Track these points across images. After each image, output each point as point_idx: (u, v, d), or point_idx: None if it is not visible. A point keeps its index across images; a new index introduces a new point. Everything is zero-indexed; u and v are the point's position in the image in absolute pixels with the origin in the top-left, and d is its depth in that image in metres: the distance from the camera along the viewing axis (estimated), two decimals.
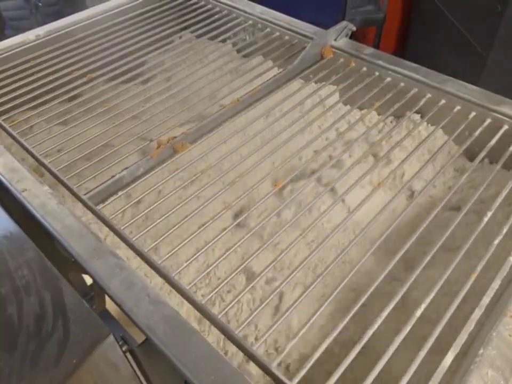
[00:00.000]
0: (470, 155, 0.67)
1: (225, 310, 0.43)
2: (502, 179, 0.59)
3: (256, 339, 0.52)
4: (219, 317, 0.42)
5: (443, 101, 0.68)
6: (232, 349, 0.50)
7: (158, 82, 0.76)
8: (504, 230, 0.49)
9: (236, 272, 0.46)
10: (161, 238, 0.50)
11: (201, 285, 0.58)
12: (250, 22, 0.89)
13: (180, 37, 0.87)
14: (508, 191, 0.54)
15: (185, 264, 0.47)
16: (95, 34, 0.86)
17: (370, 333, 0.40)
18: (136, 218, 0.52)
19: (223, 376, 0.37)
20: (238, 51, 0.87)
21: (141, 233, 0.50)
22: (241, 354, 0.45)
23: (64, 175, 0.56)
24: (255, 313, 0.43)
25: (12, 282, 0.45)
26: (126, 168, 0.59)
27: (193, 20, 0.90)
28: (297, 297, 0.43)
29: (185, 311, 0.53)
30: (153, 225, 0.51)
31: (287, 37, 0.84)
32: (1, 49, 0.81)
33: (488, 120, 0.64)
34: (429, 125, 0.71)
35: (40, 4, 1.54)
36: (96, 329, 0.42)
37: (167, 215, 0.52)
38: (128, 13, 0.92)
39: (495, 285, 0.44)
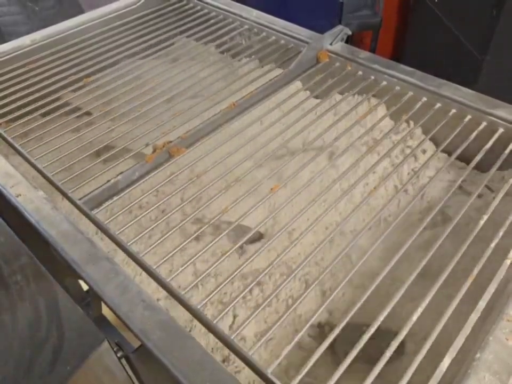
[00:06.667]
0: (465, 159, 0.67)
1: (221, 315, 0.43)
2: (498, 182, 0.60)
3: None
4: (214, 322, 0.42)
5: (438, 105, 0.68)
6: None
7: (154, 86, 0.75)
8: (501, 233, 0.49)
9: (232, 276, 0.46)
10: (156, 243, 0.49)
11: (198, 291, 0.57)
12: (246, 26, 0.90)
13: (176, 42, 0.87)
14: (503, 194, 0.54)
15: (180, 269, 0.46)
16: (91, 39, 0.86)
17: (366, 337, 0.40)
18: (131, 223, 0.51)
19: (218, 382, 0.37)
20: (234, 55, 0.87)
21: (136, 238, 0.49)
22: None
23: (59, 180, 0.56)
24: (252, 316, 0.42)
25: (6, 288, 0.44)
26: (121, 172, 0.58)
27: (189, 25, 0.90)
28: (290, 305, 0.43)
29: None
30: (148, 230, 0.51)
31: (283, 41, 0.85)
32: None
33: (484, 124, 0.64)
34: (424, 128, 0.71)
35: (37, 9, 1.54)
36: (91, 335, 0.41)
37: (162, 219, 0.52)
38: (125, 18, 0.92)
39: (492, 288, 0.44)
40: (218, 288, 0.45)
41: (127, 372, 0.50)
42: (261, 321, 0.55)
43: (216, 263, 0.47)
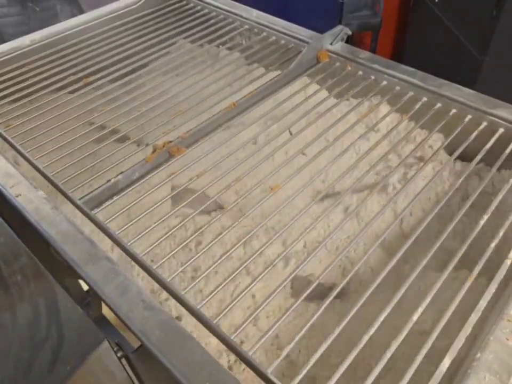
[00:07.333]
0: (466, 159, 0.67)
1: (221, 315, 0.43)
2: (498, 182, 0.60)
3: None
4: (215, 321, 0.42)
5: (439, 105, 0.68)
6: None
7: (154, 86, 0.75)
8: (501, 233, 0.49)
9: (229, 280, 0.46)
10: (157, 243, 0.49)
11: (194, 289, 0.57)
12: (247, 26, 0.90)
13: (176, 42, 0.87)
14: (503, 194, 0.54)
15: (180, 269, 0.46)
16: (91, 39, 0.86)
17: (366, 338, 0.40)
18: (132, 223, 0.51)
19: (218, 382, 0.37)
20: (234, 55, 0.87)
21: (136, 238, 0.49)
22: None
23: (59, 180, 0.56)
24: (250, 318, 0.42)
25: (6, 288, 0.44)
26: (122, 172, 0.58)
27: (189, 25, 0.90)
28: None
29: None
30: (148, 230, 0.51)
31: (283, 41, 0.85)
32: None
33: (484, 124, 0.64)
34: (425, 128, 0.71)
35: (37, 9, 1.53)
36: (90, 335, 0.41)
37: (163, 219, 0.52)
38: (125, 18, 0.92)
39: (492, 288, 0.44)
40: (219, 288, 0.45)
41: (127, 372, 0.50)
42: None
43: (216, 263, 0.47)
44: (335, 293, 0.44)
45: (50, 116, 0.68)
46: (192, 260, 0.48)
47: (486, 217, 0.51)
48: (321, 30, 0.83)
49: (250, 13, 0.91)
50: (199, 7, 0.96)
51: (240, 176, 0.57)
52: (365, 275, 0.57)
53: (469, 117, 0.65)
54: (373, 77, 0.74)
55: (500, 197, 0.53)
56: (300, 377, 0.38)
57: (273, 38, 0.86)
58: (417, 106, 0.68)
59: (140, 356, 0.50)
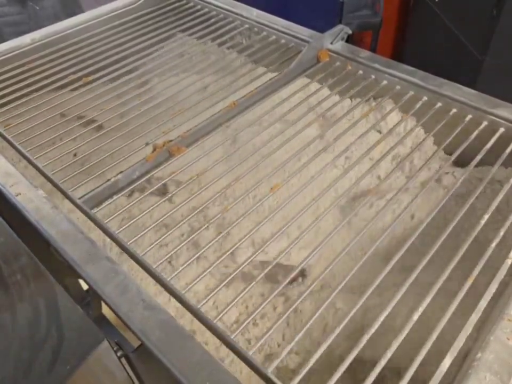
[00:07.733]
0: (466, 158, 0.67)
1: (221, 315, 0.43)
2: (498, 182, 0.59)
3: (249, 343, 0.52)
4: (215, 321, 0.42)
5: (439, 104, 0.68)
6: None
7: (154, 85, 0.75)
8: (502, 233, 0.49)
9: (228, 279, 0.46)
10: (157, 242, 0.49)
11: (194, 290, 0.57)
12: (247, 25, 0.89)
13: (176, 41, 0.87)
14: (504, 194, 0.54)
15: (180, 269, 0.46)
16: (90, 38, 0.86)
17: (367, 337, 0.40)
18: (131, 222, 0.51)
19: (218, 382, 0.37)
20: (234, 55, 0.87)
21: (136, 238, 0.49)
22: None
23: (58, 179, 0.56)
24: (251, 318, 0.42)
25: (6, 288, 0.44)
26: (121, 171, 0.58)
27: (189, 24, 0.90)
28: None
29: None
30: (148, 229, 0.50)
31: (283, 41, 0.84)
32: None
33: (485, 123, 0.64)
34: (425, 127, 0.71)
35: (37, 8, 1.53)
36: (90, 335, 0.41)
37: (162, 219, 0.52)
38: (124, 17, 0.92)
39: (493, 288, 0.44)
40: (218, 288, 0.45)
41: (127, 372, 0.50)
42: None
43: (216, 262, 0.47)
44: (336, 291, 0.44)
45: (49, 115, 0.68)
46: (192, 259, 0.48)
47: (486, 216, 0.51)
48: (321, 29, 0.83)
49: (251, 12, 0.91)
50: (199, 6, 0.96)
51: (240, 176, 0.57)
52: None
53: (470, 116, 0.65)
54: (373, 76, 0.74)
55: (500, 196, 0.53)
56: (300, 377, 0.38)
57: (274, 37, 0.85)
58: (417, 106, 0.68)
59: (139, 356, 0.50)
